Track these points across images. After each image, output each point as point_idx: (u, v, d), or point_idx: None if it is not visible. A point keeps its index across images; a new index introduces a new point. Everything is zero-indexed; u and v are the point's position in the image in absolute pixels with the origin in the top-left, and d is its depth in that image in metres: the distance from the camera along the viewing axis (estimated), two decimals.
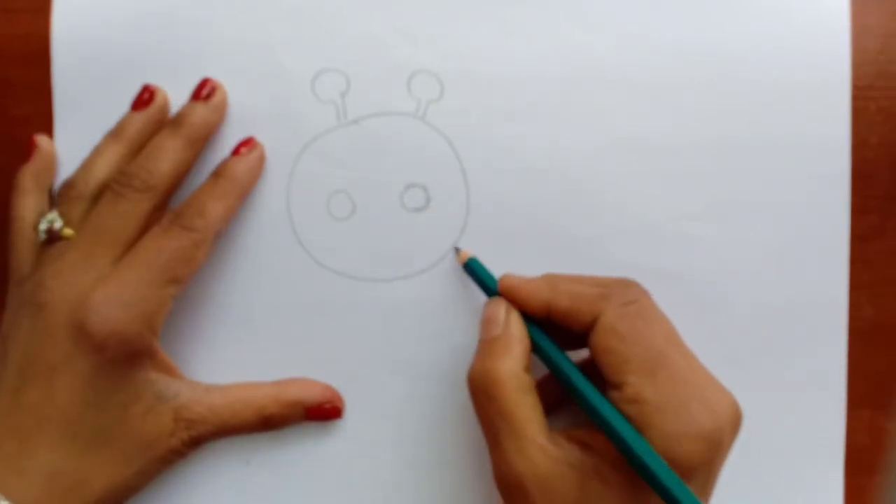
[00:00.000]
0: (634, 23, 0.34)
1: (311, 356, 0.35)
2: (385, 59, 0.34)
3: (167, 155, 0.32)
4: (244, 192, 0.34)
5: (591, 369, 0.29)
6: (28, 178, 0.34)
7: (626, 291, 0.29)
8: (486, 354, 0.30)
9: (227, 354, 0.35)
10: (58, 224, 0.32)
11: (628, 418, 0.27)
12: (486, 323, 0.31)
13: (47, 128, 0.35)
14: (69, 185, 0.33)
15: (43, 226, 0.32)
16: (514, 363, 0.29)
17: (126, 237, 0.31)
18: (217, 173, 0.33)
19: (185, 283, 0.32)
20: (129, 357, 0.30)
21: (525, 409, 0.28)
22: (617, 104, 0.34)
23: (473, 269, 0.33)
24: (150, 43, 0.35)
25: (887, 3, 0.35)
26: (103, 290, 0.30)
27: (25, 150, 0.34)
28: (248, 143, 0.34)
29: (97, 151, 0.33)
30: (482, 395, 0.29)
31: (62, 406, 0.30)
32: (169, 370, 0.32)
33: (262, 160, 0.34)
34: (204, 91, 0.34)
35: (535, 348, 0.30)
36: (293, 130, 0.34)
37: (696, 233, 0.35)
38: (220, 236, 0.33)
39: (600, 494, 0.27)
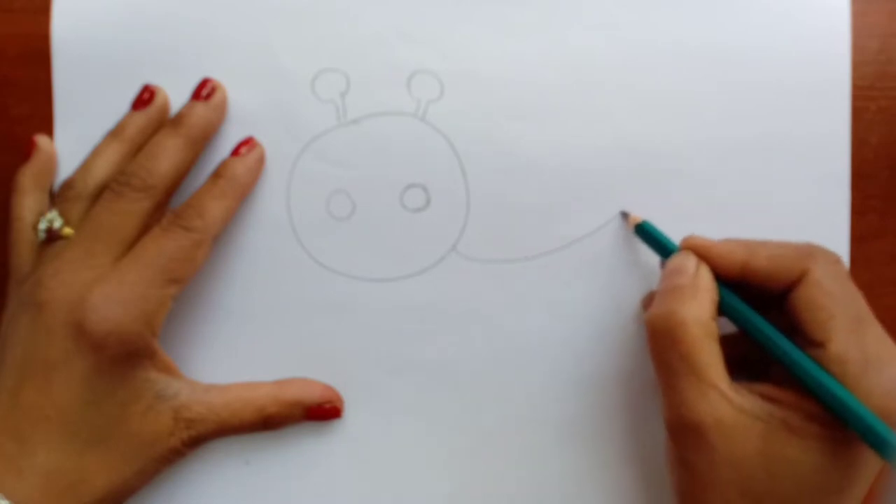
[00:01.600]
0: (634, 23, 0.35)
1: (311, 356, 0.35)
2: (385, 59, 0.34)
3: (167, 154, 0.32)
4: (244, 192, 0.34)
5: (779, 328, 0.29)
6: (28, 178, 0.34)
7: (827, 252, 0.30)
8: (670, 298, 0.29)
9: (227, 354, 0.35)
10: (57, 223, 0.32)
11: (833, 375, 0.27)
12: (672, 273, 0.30)
13: (47, 128, 0.35)
14: (69, 184, 0.33)
15: (42, 225, 0.32)
16: (701, 309, 0.29)
17: (125, 236, 0.31)
18: (217, 173, 0.33)
19: (184, 282, 0.32)
20: (128, 356, 0.30)
21: (708, 354, 0.28)
22: (617, 104, 0.34)
23: (648, 232, 0.33)
24: (150, 43, 0.35)
25: (887, 3, 0.35)
26: (103, 289, 0.30)
27: (25, 150, 0.34)
28: (247, 143, 0.34)
29: (97, 151, 0.33)
30: (664, 336, 0.29)
31: (61, 405, 0.30)
32: (169, 370, 0.32)
33: (261, 160, 0.34)
34: (204, 91, 0.34)
35: (725, 307, 0.30)
36: (293, 130, 0.34)
37: (696, 233, 0.34)
38: (219, 236, 0.33)
39: (787, 444, 0.27)
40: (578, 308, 0.31)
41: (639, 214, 0.33)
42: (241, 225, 0.34)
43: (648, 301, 0.34)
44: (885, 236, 0.36)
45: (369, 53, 0.34)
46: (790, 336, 0.29)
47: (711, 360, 0.28)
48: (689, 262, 0.30)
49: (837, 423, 0.27)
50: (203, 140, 0.33)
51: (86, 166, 0.33)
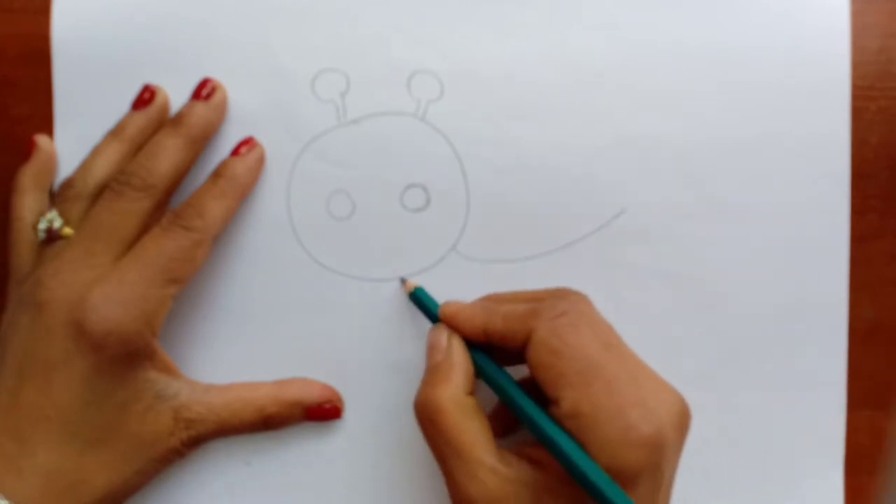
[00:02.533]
0: (634, 23, 0.35)
1: (311, 356, 0.35)
2: (385, 59, 0.34)
3: (167, 154, 0.32)
4: (244, 192, 0.34)
5: (534, 386, 0.29)
6: (28, 178, 0.34)
7: (558, 304, 0.29)
8: (428, 382, 0.30)
9: (227, 354, 0.35)
10: (57, 223, 0.32)
11: (569, 432, 0.27)
12: (429, 350, 0.31)
13: (47, 128, 0.35)
14: (68, 184, 0.33)
15: (42, 225, 0.32)
16: (454, 389, 0.29)
17: (125, 235, 0.31)
18: (217, 173, 0.33)
19: (184, 282, 0.32)
20: (128, 356, 0.30)
21: (470, 433, 0.28)
22: (617, 104, 0.34)
23: (419, 299, 0.33)
24: (150, 43, 0.35)
25: (887, 3, 0.35)
26: (102, 289, 0.30)
27: (25, 150, 0.34)
28: (247, 143, 0.34)
29: (97, 151, 0.33)
30: (427, 423, 0.29)
31: (61, 405, 0.30)
32: (169, 370, 0.32)
33: (261, 160, 0.34)
34: (204, 91, 0.34)
35: (479, 372, 0.30)
36: (293, 130, 0.34)
37: (697, 233, 0.35)
38: (219, 236, 0.33)
39: None
40: None
41: (414, 281, 0.34)
42: (241, 225, 0.34)
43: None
44: (885, 236, 0.36)
45: (369, 53, 0.34)
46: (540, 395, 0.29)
47: (475, 438, 0.28)
48: (441, 337, 0.31)
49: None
50: (203, 140, 0.33)
51: (86, 166, 0.33)
